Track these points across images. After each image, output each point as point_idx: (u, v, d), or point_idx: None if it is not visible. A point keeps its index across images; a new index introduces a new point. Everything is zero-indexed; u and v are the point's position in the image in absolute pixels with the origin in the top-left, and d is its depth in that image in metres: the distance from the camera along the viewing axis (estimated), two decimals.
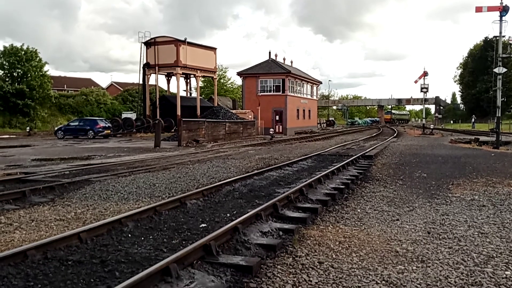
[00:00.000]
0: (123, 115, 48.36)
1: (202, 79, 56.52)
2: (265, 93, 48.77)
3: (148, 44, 42.86)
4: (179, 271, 4.59)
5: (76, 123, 38.24)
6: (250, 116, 43.99)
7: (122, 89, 71.56)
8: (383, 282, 4.73)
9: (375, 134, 43.77)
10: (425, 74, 45.50)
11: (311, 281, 4.74)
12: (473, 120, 64.05)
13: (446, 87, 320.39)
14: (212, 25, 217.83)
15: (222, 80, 77.25)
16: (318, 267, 5.15)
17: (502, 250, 5.78)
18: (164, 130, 36.32)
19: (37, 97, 49.26)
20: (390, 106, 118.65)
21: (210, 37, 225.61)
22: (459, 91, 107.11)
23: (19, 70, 48.98)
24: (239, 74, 50.90)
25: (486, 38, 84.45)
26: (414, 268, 5.12)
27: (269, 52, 52.52)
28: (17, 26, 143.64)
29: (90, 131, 36.23)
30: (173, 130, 39.19)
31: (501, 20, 25.11)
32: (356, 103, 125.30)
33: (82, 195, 9.58)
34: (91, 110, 55.67)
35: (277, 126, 47.24)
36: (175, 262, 4.62)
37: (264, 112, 46.35)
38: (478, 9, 25.41)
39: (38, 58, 50.39)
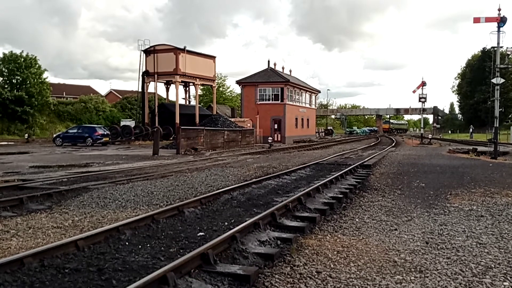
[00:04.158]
0: (122, 123, 48.35)
1: (201, 87, 56.58)
2: (264, 102, 48.88)
3: (147, 52, 43.00)
4: (176, 280, 4.56)
5: (75, 131, 38.25)
6: (248, 125, 44.05)
7: (121, 97, 71.61)
8: None
9: (373, 143, 43.81)
10: (423, 84, 45.73)
11: None
12: (471, 130, 64.25)
13: (444, 97, 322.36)
14: (212, 33, 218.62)
15: (221, 89, 77.50)
16: (316, 276, 5.13)
17: (500, 260, 5.77)
18: (162, 138, 36.31)
19: (36, 104, 49.27)
20: (388, 116, 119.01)
21: (210, 45, 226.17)
22: (457, 101, 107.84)
23: (18, 77, 49.04)
24: (238, 82, 51.07)
25: (484, 48, 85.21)
26: (412, 278, 5.11)
27: (268, 61, 52.86)
28: (16, 33, 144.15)
29: (89, 139, 36.24)
30: (171, 138, 39.18)
31: (499, 31, 25.27)
32: (355, 112, 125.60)
33: (80, 203, 9.55)
34: (90, 118, 55.67)
35: (275, 135, 47.31)
36: (172, 271, 4.60)
37: (262, 120, 46.42)
38: (476, 20, 25.57)
39: (37, 65, 50.49)
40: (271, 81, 49.07)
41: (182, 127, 29.60)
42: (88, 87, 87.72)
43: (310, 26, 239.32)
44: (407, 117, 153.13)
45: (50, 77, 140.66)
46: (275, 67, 52.84)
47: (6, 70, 48.88)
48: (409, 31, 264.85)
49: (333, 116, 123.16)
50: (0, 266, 4.79)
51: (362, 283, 4.95)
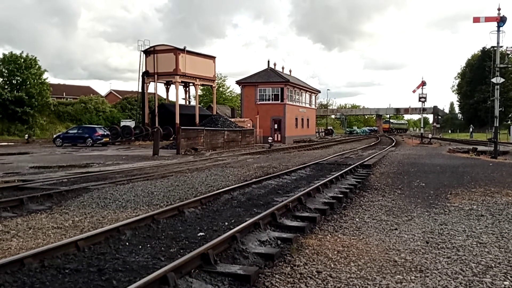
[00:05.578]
0: (122, 123, 48.36)
1: (201, 87, 56.59)
2: (264, 102, 48.89)
3: (147, 52, 43.00)
4: (176, 280, 4.56)
5: (75, 131, 38.27)
6: (248, 125, 44.04)
7: (121, 97, 71.59)
8: None
9: (373, 143, 43.79)
10: (423, 83, 45.73)
11: None
12: (471, 129, 64.27)
13: (444, 96, 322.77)
14: (211, 33, 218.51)
15: (221, 89, 77.52)
16: (316, 276, 5.13)
17: (500, 260, 5.77)
18: (162, 138, 36.31)
19: (36, 105, 49.29)
20: (388, 116, 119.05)
21: (209, 45, 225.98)
22: (457, 101, 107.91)
23: (18, 78, 49.06)
24: (238, 82, 51.08)
25: (484, 48, 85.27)
26: (413, 278, 5.11)
27: (268, 61, 52.87)
28: (16, 33, 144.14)
29: (89, 139, 36.24)
30: (171, 138, 39.16)
31: (498, 30, 25.27)
32: (355, 112, 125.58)
33: (80, 203, 9.55)
34: (90, 118, 55.68)
35: (275, 135, 47.31)
36: (172, 271, 4.60)
37: (262, 120, 46.42)
38: (476, 20, 25.56)
39: (37, 65, 50.50)
40: (271, 81, 49.08)
41: (182, 127, 29.59)
42: (88, 88, 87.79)
43: (310, 26, 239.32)
44: (407, 116, 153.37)
45: (50, 78, 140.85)
46: (275, 67, 52.86)
47: (6, 71, 48.90)
48: (409, 30, 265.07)
49: (333, 116, 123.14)
50: (1, 266, 4.79)
51: (362, 282, 4.95)
